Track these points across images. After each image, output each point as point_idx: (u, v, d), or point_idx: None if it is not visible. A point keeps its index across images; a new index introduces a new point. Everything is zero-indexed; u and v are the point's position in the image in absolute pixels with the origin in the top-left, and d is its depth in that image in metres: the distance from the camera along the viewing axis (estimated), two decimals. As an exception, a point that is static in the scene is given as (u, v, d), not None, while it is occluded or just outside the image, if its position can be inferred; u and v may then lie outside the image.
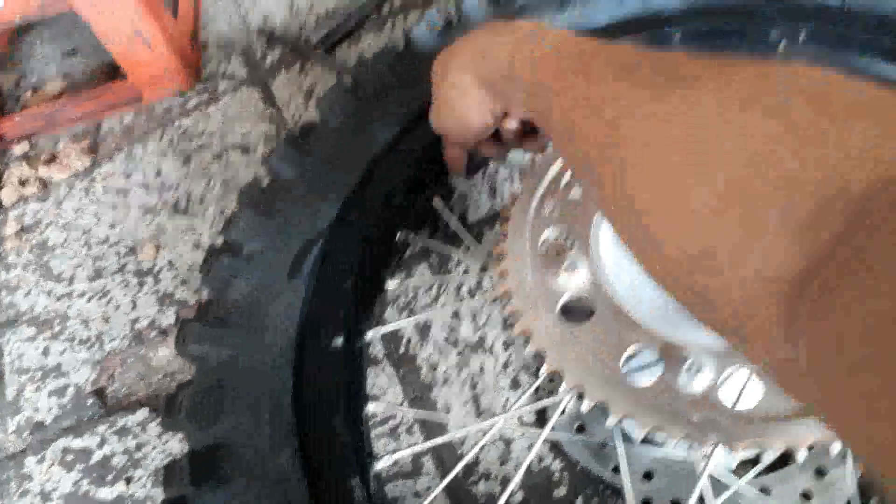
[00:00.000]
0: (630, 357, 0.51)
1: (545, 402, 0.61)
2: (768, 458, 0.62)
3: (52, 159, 1.09)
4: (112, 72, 1.16)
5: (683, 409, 0.47)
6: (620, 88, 0.35)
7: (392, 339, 0.80)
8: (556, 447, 0.70)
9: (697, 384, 0.47)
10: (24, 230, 1.04)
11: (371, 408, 0.67)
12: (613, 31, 0.77)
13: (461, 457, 0.68)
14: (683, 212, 0.30)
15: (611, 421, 0.49)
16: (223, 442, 0.60)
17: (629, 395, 0.49)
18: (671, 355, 0.49)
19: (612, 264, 0.55)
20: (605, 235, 0.56)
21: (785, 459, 0.62)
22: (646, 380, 0.49)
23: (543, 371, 0.52)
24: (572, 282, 0.54)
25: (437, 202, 0.76)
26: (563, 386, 0.51)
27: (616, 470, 0.67)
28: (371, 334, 0.71)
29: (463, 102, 0.56)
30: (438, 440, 0.65)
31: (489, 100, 0.55)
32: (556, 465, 0.70)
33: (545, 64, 0.44)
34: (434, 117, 0.63)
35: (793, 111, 0.28)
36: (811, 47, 0.71)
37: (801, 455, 0.44)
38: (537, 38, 0.47)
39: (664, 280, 0.34)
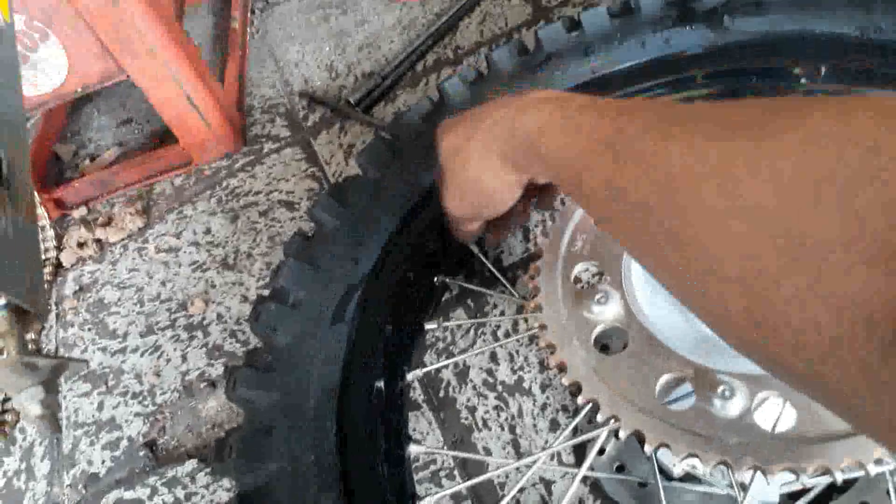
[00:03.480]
0: (665, 385, 0.52)
1: (583, 437, 0.61)
2: (812, 492, 0.61)
3: (108, 222, 1.15)
4: (164, 138, 1.23)
5: (719, 435, 0.47)
6: (666, 151, 0.35)
7: (431, 383, 0.81)
8: (596, 487, 0.70)
9: (732, 409, 0.48)
10: (81, 290, 1.09)
11: (413, 450, 0.69)
12: (638, 74, 0.79)
13: (502, 499, 0.68)
14: (754, 257, 0.29)
15: (647, 449, 0.49)
16: (271, 484, 0.62)
17: (664, 423, 0.49)
18: (704, 382, 0.49)
19: (644, 295, 0.56)
20: (636, 268, 0.58)
21: (829, 494, 0.61)
22: (681, 407, 0.50)
23: (580, 401, 0.53)
24: (605, 314, 0.55)
25: (473, 247, 0.78)
26: (599, 416, 0.52)
27: (659, 509, 0.67)
28: (411, 376, 0.72)
29: (492, 185, 0.55)
30: (478, 479, 0.65)
31: (516, 176, 0.54)
32: (599, 505, 0.70)
33: (576, 141, 0.43)
34: (452, 203, 0.61)
35: (859, 142, 0.27)
36: (832, 83, 0.72)
37: (839, 475, 0.44)
38: (562, 112, 0.46)
39: (731, 333, 0.33)
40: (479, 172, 0.55)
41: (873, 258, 0.25)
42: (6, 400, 0.95)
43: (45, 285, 1.09)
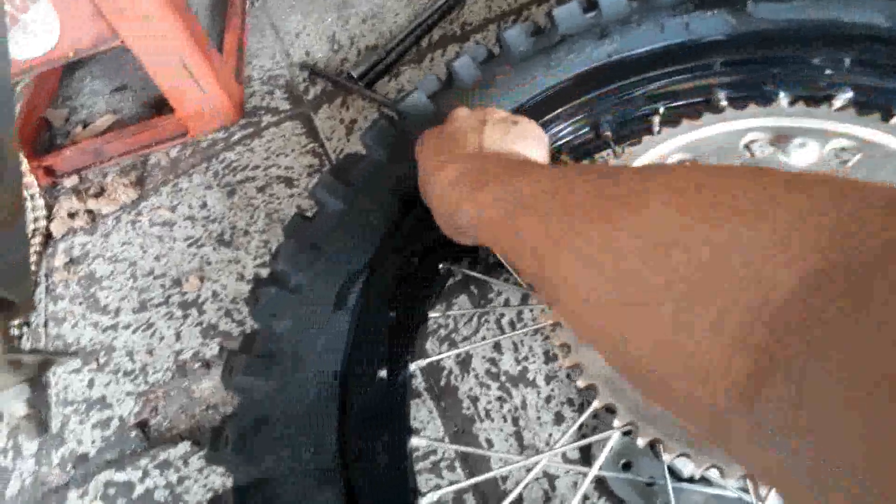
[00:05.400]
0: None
1: (592, 438, 0.60)
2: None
3: (100, 192, 1.12)
4: (159, 106, 1.19)
5: (741, 447, 0.46)
6: (546, 240, 0.39)
7: (433, 371, 0.79)
8: (601, 485, 0.68)
9: (755, 421, 0.46)
10: (72, 262, 1.06)
11: (415, 442, 0.67)
12: (655, 59, 0.77)
13: (504, 494, 0.66)
14: (628, 331, 0.33)
15: (666, 458, 0.47)
16: (268, 476, 0.60)
17: (684, 432, 0.47)
18: (727, 390, 0.47)
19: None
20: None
21: None
22: (701, 416, 0.48)
23: (595, 405, 0.51)
24: (622, 314, 0.53)
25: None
26: (616, 422, 0.50)
27: (665, 509, 0.65)
28: (414, 366, 0.70)
29: (456, 231, 0.59)
30: (482, 477, 0.64)
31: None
32: (602, 503, 0.68)
33: (498, 224, 0.47)
34: (442, 229, 0.63)
35: (705, 224, 0.30)
36: (856, 73, 0.70)
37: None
38: (476, 202, 0.50)
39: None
40: (440, 221, 0.60)
41: (730, 338, 0.27)
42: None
43: (35, 256, 1.06)
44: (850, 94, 0.71)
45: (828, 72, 0.73)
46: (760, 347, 0.26)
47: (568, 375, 0.75)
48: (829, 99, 0.71)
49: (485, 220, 0.49)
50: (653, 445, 0.49)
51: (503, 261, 0.74)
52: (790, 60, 0.75)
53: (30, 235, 1.08)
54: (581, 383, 0.52)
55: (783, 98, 0.72)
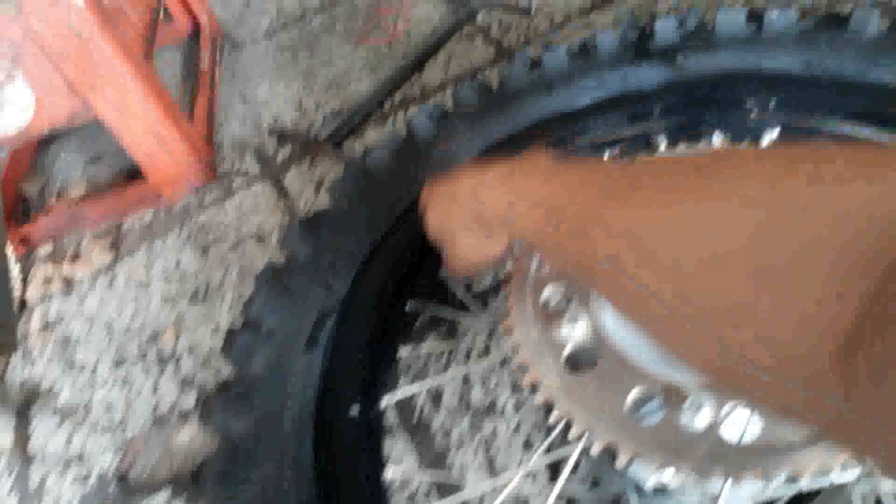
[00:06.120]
0: (634, 401, 0.54)
1: (558, 453, 0.63)
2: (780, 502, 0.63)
3: (75, 257, 1.14)
4: (133, 175, 1.23)
5: (689, 446, 0.50)
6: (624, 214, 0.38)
7: (405, 407, 0.83)
8: (571, 503, 0.71)
9: (700, 421, 0.50)
10: (48, 326, 1.08)
11: (389, 474, 0.69)
12: (597, 109, 0.83)
13: (478, 521, 0.69)
14: (721, 291, 0.31)
15: (620, 461, 0.51)
16: (248, 510, 0.62)
17: (636, 437, 0.51)
18: (673, 396, 0.52)
19: (612, 315, 0.59)
20: (602, 290, 0.60)
21: None
22: (651, 421, 0.52)
23: (552, 419, 0.54)
24: (575, 333, 0.58)
25: (443, 273, 0.80)
26: (572, 434, 0.54)
27: (631, 525, 0.68)
28: (385, 401, 0.73)
29: (480, 254, 0.60)
30: (454, 499, 0.67)
31: (496, 240, 0.58)
32: (573, 523, 0.71)
33: (536, 215, 0.47)
34: (454, 268, 0.65)
35: (797, 189, 0.29)
36: (781, 114, 0.77)
37: (805, 481, 0.46)
38: (519, 190, 0.51)
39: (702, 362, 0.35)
40: (463, 249, 0.61)
41: (836, 290, 0.26)
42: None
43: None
44: (776, 132, 0.78)
45: (754, 114, 0.80)
46: (865, 302, 0.25)
47: (534, 402, 0.78)
48: (757, 137, 0.78)
49: (529, 190, 0.48)
50: (612, 454, 0.53)
51: (461, 300, 0.79)
52: (720, 104, 0.82)
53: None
54: (539, 399, 0.56)
55: (715, 137, 0.79)
